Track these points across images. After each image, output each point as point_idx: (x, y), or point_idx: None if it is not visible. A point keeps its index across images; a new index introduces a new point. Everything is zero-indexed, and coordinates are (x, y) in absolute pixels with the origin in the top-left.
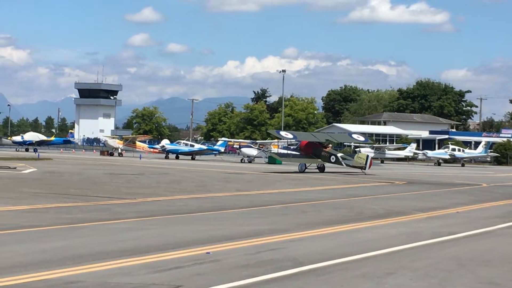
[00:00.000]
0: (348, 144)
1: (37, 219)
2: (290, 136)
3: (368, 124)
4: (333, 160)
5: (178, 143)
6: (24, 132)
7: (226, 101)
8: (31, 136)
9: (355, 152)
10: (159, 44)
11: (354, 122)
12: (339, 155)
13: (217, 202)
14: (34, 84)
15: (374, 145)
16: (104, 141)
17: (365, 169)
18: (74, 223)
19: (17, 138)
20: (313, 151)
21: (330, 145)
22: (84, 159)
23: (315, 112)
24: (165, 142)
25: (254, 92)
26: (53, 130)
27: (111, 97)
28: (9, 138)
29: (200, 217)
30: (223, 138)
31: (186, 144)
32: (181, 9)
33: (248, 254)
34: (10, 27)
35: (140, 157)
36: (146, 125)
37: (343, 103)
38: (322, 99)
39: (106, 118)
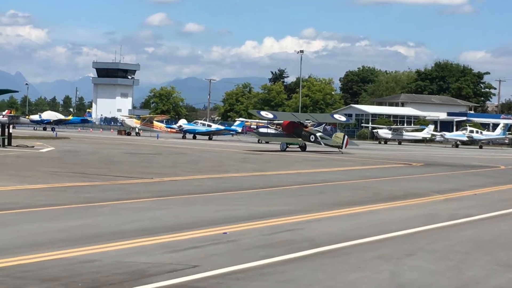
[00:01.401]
0: (366, 125)
1: (54, 198)
2: (271, 116)
3: (385, 105)
4: (312, 140)
5: (195, 123)
6: (42, 111)
7: (243, 81)
8: (49, 115)
9: (373, 133)
10: (177, 23)
11: (371, 103)
12: (318, 134)
13: (234, 182)
14: (52, 63)
15: (391, 126)
16: (122, 120)
17: (342, 148)
18: (91, 202)
19: (35, 117)
20: (294, 131)
21: (310, 125)
22: (102, 139)
23: (333, 93)
24: (182, 122)
25: (272, 72)
26: (71, 109)
27: (129, 77)
28: (27, 117)
29: (217, 197)
30: (240, 118)
31: (204, 124)
32: None
33: (265, 234)
34: (29, 6)
35: (158, 137)
36: (164, 105)
37: (360, 84)
38: (339, 80)
39: (123, 97)
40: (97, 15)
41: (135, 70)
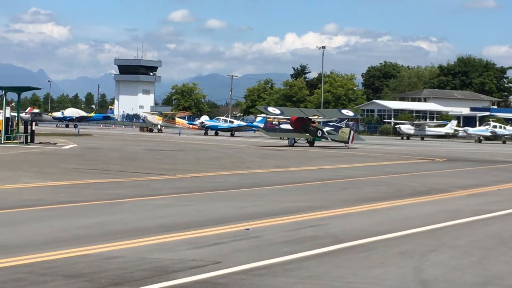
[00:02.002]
0: (388, 121)
1: (77, 195)
2: (278, 111)
3: (408, 100)
4: (319, 135)
5: (217, 119)
6: (64, 108)
7: (265, 77)
8: (71, 112)
9: (395, 129)
10: (199, 20)
11: (394, 99)
12: (325, 129)
13: (256, 178)
14: (74, 60)
15: (414, 121)
16: (144, 117)
17: (348, 143)
18: (114, 199)
19: (58, 114)
20: (302, 126)
21: (317, 120)
22: (124, 135)
23: (355, 88)
24: (204, 118)
25: (294, 68)
26: (93, 106)
27: (151, 73)
28: (49, 114)
29: (240, 193)
30: (262, 115)
31: (226, 121)
32: None
33: (288, 230)
34: (51, 3)
35: (180, 133)
36: (186, 101)
37: (383, 80)
38: (362, 75)
39: (145, 94)
40: (119, 12)
41: (157, 67)
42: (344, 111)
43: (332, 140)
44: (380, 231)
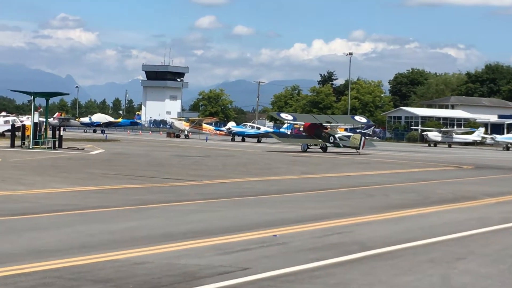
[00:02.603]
0: (415, 128)
1: (105, 200)
2: (290, 117)
3: (435, 107)
4: (331, 141)
5: (244, 125)
6: (92, 113)
7: (292, 83)
8: (99, 117)
9: (423, 136)
10: (226, 26)
11: (421, 106)
12: (337, 135)
13: (283, 185)
14: (102, 66)
15: (441, 129)
16: (171, 123)
17: (359, 149)
18: (142, 205)
19: (85, 120)
20: (315, 132)
21: (329, 127)
22: (151, 141)
23: (382, 95)
24: (231, 124)
25: (321, 75)
26: (120, 112)
27: (178, 79)
28: (77, 119)
29: (266, 199)
30: (289, 122)
31: (252, 127)
32: None
33: (315, 237)
34: (79, 9)
35: (207, 139)
36: (212, 107)
37: (410, 87)
38: (389, 82)
39: (172, 100)
40: (146, 18)
41: (184, 73)
42: (357, 118)
43: (344, 146)
44: (407, 239)
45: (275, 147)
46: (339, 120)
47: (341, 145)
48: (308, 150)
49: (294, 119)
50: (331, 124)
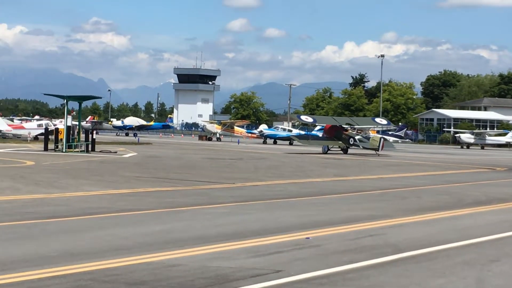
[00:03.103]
0: (448, 130)
1: (138, 203)
2: (310, 119)
3: (468, 109)
4: (351, 142)
5: (276, 128)
6: (124, 117)
7: (323, 86)
8: (131, 121)
9: (455, 138)
10: (257, 29)
11: (453, 108)
12: (357, 137)
13: (316, 187)
14: (134, 69)
15: (474, 130)
16: (203, 126)
17: (378, 150)
18: (174, 207)
19: (118, 123)
20: (335, 134)
21: (350, 129)
22: (183, 144)
23: (414, 97)
24: (263, 127)
25: (352, 77)
26: (152, 115)
27: (210, 82)
28: (109, 122)
29: (299, 202)
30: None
31: (284, 129)
32: None
33: (348, 239)
34: (111, 13)
35: (238, 142)
36: (244, 110)
37: (442, 88)
38: (421, 84)
39: (204, 103)
40: (178, 21)
41: (215, 76)
42: (377, 120)
43: (364, 147)
44: (440, 241)
45: (306, 149)
46: (359, 122)
47: (361, 147)
48: (328, 152)
49: (314, 121)
50: (355, 126)
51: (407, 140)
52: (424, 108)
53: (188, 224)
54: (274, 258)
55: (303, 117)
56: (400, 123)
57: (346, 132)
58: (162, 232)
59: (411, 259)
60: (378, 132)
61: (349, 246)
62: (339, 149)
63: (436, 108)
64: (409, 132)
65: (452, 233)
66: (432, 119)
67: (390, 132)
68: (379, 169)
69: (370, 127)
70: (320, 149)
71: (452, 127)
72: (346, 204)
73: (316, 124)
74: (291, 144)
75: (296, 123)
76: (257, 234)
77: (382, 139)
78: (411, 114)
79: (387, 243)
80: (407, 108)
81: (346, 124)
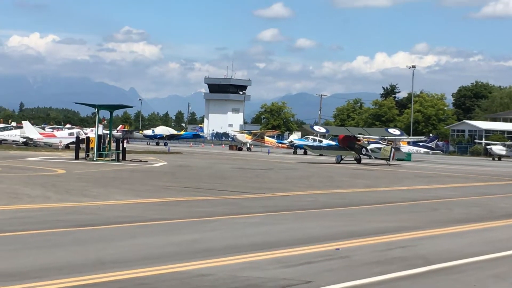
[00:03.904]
0: (479, 141)
1: (168, 212)
2: (323, 130)
3: (499, 121)
4: (364, 152)
5: (306, 138)
6: (155, 126)
7: (354, 96)
8: (162, 130)
9: (487, 150)
10: (288, 39)
11: (485, 119)
12: (369, 147)
13: (346, 198)
14: (164, 78)
15: (506, 142)
16: (233, 135)
17: (389, 160)
18: (205, 217)
19: (148, 132)
20: (348, 144)
21: (362, 139)
22: (213, 153)
23: (445, 108)
24: (293, 137)
25: (383, 88)
26: (183, 125)
27: (240, 92)
28: (140, 132)
29: (329, 212)
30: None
31: (315, 140)
32: (311, 5)
33: (378, 251)
34: (143, 23)
35: (269, 152)
36: (275, 120)
37: (474, 100)
38: (452, 95)
39: (235, 113)
40: (209, 31)
41: (246, 86)
42: (391, 130)
43: (376, 157)
44: (471, 253)
45: (321, 159)
46: (372, 132)
47: (373, 157)
48: (342, 161)
49: (327, 132)
50: (386, 137)
51: (438, 151)
52: (455, 120)
53: (218, 234)
54: (303, 268)
55: (316, 128)
56: (431, 134)
57: (359, 142)
58: (192, 242)
59: (442, 271)
60: (409, 143)
61: (379, 258)
62: (353, 159)
63: (467, 119)
64: (440, 143)
65: (483, 246)
66: (463, 131)
67: (421, 143)
68: (409, 181)
69: (402, 138)
70: (333, 159)
71: (483, 139)
72: (377, 215)
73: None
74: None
75: (326, 134)
76: (287, 245)
77: (393, 150)
78: (442, 125)
79: (418, 255)
80: (438, 119)
81: (359, 134)
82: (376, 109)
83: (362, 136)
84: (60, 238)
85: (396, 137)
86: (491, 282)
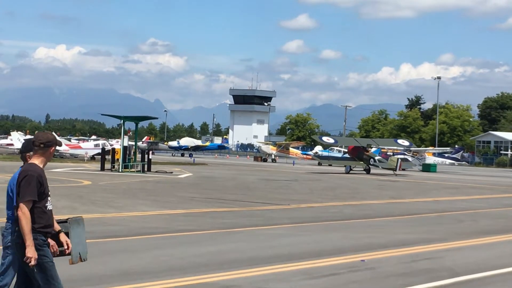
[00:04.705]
0: (505, 153)
1: (193, 223)
2: (332, 141)
3: None
4: (372, 162)
5: (331, 150)
6: (180, 137)
7: (379, 108)
8: (187, 141)
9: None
10: (313, 50)
11: (511, 130)
12: (377, 158)
13: (371, 209)
14: (190, 90)
15: None
16: (258, 147)
17: (395, 170)
18: (229, 228)
19: (173, 143)
20: (357, 155)
21: (370, 149)
22: (238, 165)
23: (471, 119)
24: (318, 148)
25: (408, 99)
26: (208, 135)
27: (265, 104)
28: (165, 143)
29: (354, 224)
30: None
31: (340, 151)
32: (336, 16)
33: (403, 262)
34: (169, 34)
35: (293, 163)
36: (299, 132)
37: (499, 111)
38: (477, 106)
39: (260, 124)
40: (234, 42)
41: (271, 97)
42: (399, 141)
43: (383, 168)
44: (498, 265)
45: (331, 169)
46: (381, 143)
47: (380, 167)
48: (351, 171)
49: (336, 143)
50: (411, 149)
51: (464, 162)
52: (481, 131)
53: (243, 245)
54: (329, 280)
55: (325, 138)
56: (456, 146)
57: (367, 153)
58: (217, 253)
59: (468, 283)
60: (434, 154)
61: (404, 269)
62: (362, 169)
63: (493, 130)
64: (465, 154)
65: (509, 257)
66: (489, 142)
67: (446, 155)
68: (435, 192)
69: (426, 150)
70: (343, 169)
71: (509, 150)
72: (402, 226)
73: (372, 147)
74: (319, 164)
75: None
76: (312, 256)
77: (399, 160)
78: (468, 136)
79: (443, 267)
80: (463, 131)
81: (367, 145)
82: (401, 120)
83: (370, 146)
84: None
85: (420, 149)
86: None
